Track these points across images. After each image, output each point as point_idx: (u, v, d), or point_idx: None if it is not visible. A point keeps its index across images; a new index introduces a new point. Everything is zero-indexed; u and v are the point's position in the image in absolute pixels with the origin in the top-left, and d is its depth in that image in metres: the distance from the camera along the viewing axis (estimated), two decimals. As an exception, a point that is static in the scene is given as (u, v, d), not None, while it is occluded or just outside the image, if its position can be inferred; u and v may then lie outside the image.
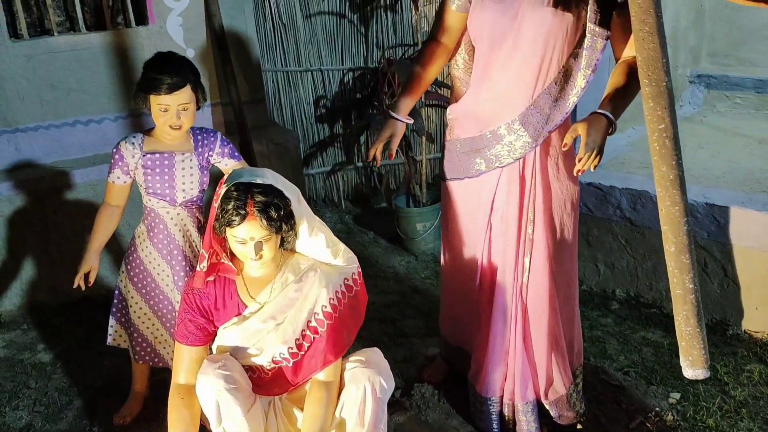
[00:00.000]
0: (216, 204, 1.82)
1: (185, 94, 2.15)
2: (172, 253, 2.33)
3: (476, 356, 2.36)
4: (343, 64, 4.35)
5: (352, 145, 4.35)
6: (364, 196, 4.70)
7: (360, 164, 4.59)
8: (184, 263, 2.34)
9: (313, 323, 1.93)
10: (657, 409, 2.49)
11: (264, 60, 4.18)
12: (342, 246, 2.00)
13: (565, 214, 2.20)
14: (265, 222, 1.77)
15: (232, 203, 1.77)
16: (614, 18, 1.93)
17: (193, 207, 2.36)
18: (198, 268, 1.92)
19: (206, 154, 2.33)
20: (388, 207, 4.31)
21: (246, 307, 1.96)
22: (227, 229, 1.81)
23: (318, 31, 4.24)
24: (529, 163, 2.12)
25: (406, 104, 2.24)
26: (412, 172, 4.05)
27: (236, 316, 1.96)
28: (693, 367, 1.51)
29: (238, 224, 1.78)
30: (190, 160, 2.29)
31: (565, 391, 2.32)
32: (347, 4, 4.22)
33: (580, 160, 1.85)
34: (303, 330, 1.93)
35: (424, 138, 3.91)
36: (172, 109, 2.15)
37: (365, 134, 4.45)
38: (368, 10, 4.24)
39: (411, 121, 2.27)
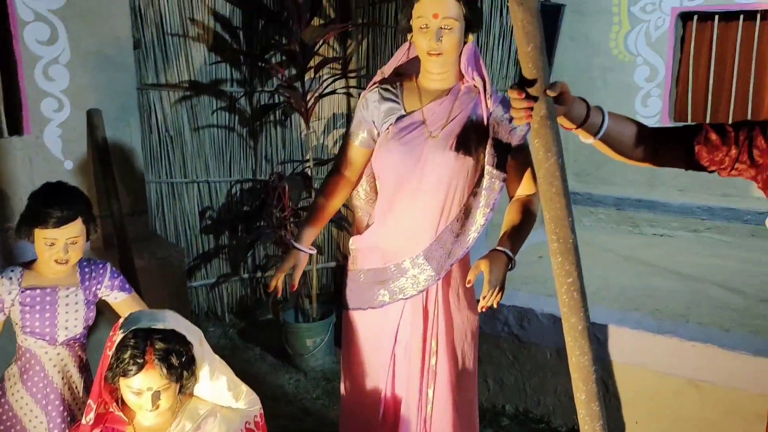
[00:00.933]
0: (110, 352, 1.68)
1: (75, 227, 2.02)
2: (49, 398, 2.10)
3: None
4: (230, 176, 4.31)
5: (239, 257, 4.26)
6: (249, 308, 4.56)
7: (246, 275, 4.47)
8: (61, 408, 2.12)
9: (219, 473, 1.79)
10: None
11: (148, 171, 4.06)
12: (244, 387, 1.90)
13: (465, 343, 2.24)
14: (165, 371, 1.65)
15: (129, 351, 1.64)
16: (509, 160, 2.06)
17: (76, 345, 2.17)
18: (83, 421, 1.74)
19: (94, 288, 2.17)
20: (275, 320, 4.20)
21: (138, 460, 1.78)
22: (121, 378, 1.67)
23: (206, 144, 4.20)
24: (432, 295, 2.16)
25: (309, 235, 2.24)
26: (301, 284, 4.00)
27: (129, 471, 1.78)
28: None
29: (135, 374, 1.65)
30: (75, 294, 2.12)
31: None
32: (236, 118, 4.23)
33: (484, 297, 1.91)
34: None
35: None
36: (60, 243, 2.01)
37: (254, 247, 4.37)
38: (258, 125, 4.27)
39: (314, 251, 2.26)
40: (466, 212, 2.08)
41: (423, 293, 2.14)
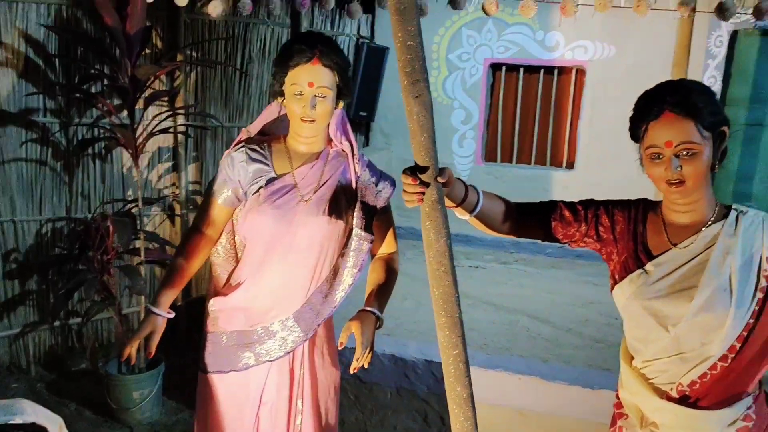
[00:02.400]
0: None
1: None
2: None
3: None
4: (41, 215, 3.90)
5: (57, 304, 3.85)
6: (59, 358, 4.14)
7: (57, 324, 4.06)
8: None
9: None
10: None
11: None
12: None
13: (329, 400, 2.24)
14: None
15: None
16: (374, 221, 2.12)
17: None
18: None
19: None
20: (94, 371, 3.86)
21: None
22: None
23: (12, 179, 3.76)
24: (298, 355, 2.14)
25: (168, 298, 2.10)
26: (125, 330, 3.73)
27: None
28: None
29: None
30: None
31: None
32: (49, 150, 3.85)
33: (357, 359, 1.94)
34: None
35: (143, 297, 3.66)
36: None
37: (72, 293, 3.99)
38: (74, 159, 3.92)
39: (172, 315, 2.13)
40: (335, 273, 2.10)
41: (289, 354, 2.12)
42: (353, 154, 2.09)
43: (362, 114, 5.45)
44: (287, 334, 2.09)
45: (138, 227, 3.63)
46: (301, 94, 1.96)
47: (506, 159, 5.46)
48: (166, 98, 4.12)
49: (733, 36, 4.89)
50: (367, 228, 2.09)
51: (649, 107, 1.53)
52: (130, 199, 3.97)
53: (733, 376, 1.54)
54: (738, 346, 1.52)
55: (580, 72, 5.27)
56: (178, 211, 4.43)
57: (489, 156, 5.43)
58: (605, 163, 5.23)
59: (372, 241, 2.11)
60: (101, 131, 3.82)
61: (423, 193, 1.48)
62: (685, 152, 1.50)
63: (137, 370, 3.66)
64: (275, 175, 2.05)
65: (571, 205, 1.76)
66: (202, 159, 4.56)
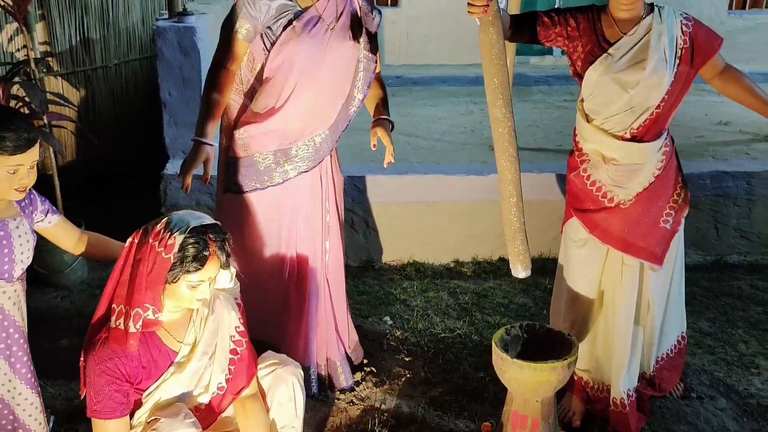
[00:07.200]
0: (166, 255, 1.75)
1: (37, 148, 1.81)
2: (13, 338, 1.90)
3: (289, 337, 2.68)
4: None
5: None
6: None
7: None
8: (26, 346, 1.95)
9: (234, 345, 2.03)
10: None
11: None
12: (233, 269, 2.11)
13: (340, 199, 2.75)
14: (224, 259, 1.83)
15: (193, 249, 1.77)
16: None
17: (24, 278, 1.97)
18: (133, 329, 1.78)
19: (32, 214, 1.96)
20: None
21: (176, 353, 1.91)
22: (184, 275, 1.78)
23: None
24: (324, 163, 2.58)
25: (211, 128, 2.36)
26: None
27: (170, 365, 1.90)
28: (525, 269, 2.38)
29: (199, 268, 1.78)
30: (23, 224, 1.90)
31: (356, 338, 2.93)
32: None
33: (391, 154, 2.48)
34: (230, 354, 2.02)
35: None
36: (24, 169, 1.79)
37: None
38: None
39: (215, 144, 2.41)
40: (350, 91, 2.54)
41: (319, 163, 2.56)
42: (355, -13, 2.47)
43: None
44: (322, 144, 2.52)
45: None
46: None
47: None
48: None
49: None
50: (373, 50, 2.53)
51: None
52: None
53: (661, 118, 2.38)
54: (666, 96, 2.34)
55: None
56: (38, 74, 4.21)
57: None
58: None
59: (376, 62, 2.56)
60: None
61: (487, 6, 2.01)
62: None
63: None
64: (300, 9, 2.36)
65: (547, 14, 2.39)
66: (48, 18, 4.31)
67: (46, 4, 4.28)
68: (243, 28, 2.35)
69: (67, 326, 3.32)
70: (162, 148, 4.10)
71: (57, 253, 3.62)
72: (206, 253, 1.79)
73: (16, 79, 3.44)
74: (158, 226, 1.82)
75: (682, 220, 2.55)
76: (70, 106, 4.08)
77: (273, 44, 2.36)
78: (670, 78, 2.31)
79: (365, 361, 3.00)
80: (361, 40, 2.49)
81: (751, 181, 3.99)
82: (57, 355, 2.99)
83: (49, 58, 4.38)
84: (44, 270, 3.66)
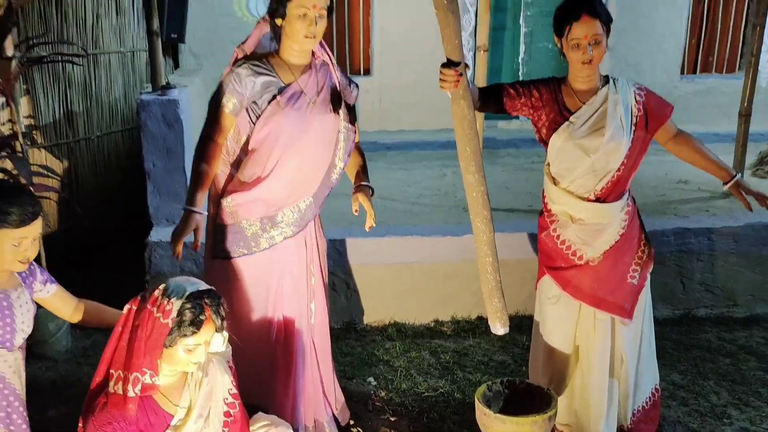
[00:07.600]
0: (165, 319, 1.84)
1: (40, 222, 1.91)
2: (13, 405, 1.95)
3: (278, 399, 2.74)
4: None
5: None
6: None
7: None
8: (25, 414, 1.99)
9: (227, 407, 2.10)
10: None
11: None
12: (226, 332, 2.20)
13: (324, 261, 2.86)
14: (219, 322, 1.92)
15: (190, 314, 1.85)
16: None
17: (25, 347, 2.03)
18: (131, 393, 1.85)
19: (33, 285, 2.03)
20: None
21: (172, 416, 1.97)
22: (181, 339, 1.86)
23: None
24: (309, 227, 2.71)
25: (200, 198, 2.48)
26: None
27: (167, 429, 1.96)
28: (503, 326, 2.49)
29: (195, 332, 1.87)
30: (24, 294, 1.98)
31: (343, 399, 2.99)
32: None
33: (372, 218, 2.63)
34: (223, 416, 2.08)
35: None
36: (27, 242, 1.88)
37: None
38: None
39: (206, 213, 2.52)
40: (332, 159, 2.69)
41: (303, 228, 2.68)
42: (333, 64, 2.65)
43: (173, 36, 5.55)
44: (306, 210, 2.65)
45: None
46: (305, 16, 2.43)
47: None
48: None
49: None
50: (351, 122, 2.70)
51: (571, 11, 2.39)
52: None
53: (622, 179, 2.57)
54: (625, 160, 2.53)
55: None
56: (18, 148, 4.31)
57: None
58: (398, 68, 6.17)
59: (355, 132, 2.73)
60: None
61: (458, 81, 2.19)
62: (594, 41, 2.40)
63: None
64: (284, 84, 2.53)
65: (512, 86, 2.59)
66: (32, 93, 4.44)
67: (31, 79, 4.42)
68: (230, 102, 2.51)
69: (55, 396, 3.33)
70: (145, 217, 4.19)
71: (41, 322, 3.65)
72: (202, 318, 1.88)
73: (3, 153, 3.55)
74: (156, 292, 1.91)
75: (648, 276, 2.71)
76: (55, 177, 4.17)
77: (258, 117, 2.51)
78: (627, 143, 2.51)
79: (352, 422, 3.05)
80: (341, 112, 2.65)
81: (711, 237, 4.20)
82: (46, 426, 2.99)
83: (34, 131, 4.49)
84: (28, 340, 3.66)
